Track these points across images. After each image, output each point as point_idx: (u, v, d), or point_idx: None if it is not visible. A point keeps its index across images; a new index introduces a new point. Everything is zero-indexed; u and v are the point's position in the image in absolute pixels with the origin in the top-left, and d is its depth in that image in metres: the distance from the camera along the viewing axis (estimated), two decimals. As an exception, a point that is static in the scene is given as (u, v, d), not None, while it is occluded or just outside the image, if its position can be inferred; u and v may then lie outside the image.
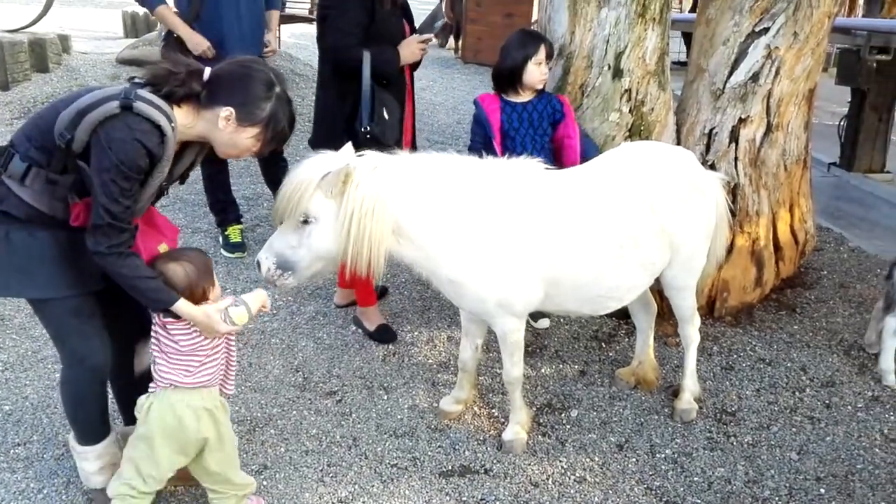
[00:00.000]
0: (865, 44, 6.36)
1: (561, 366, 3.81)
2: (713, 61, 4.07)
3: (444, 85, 11.49)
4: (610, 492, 2.93)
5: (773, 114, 4.09)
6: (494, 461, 3.08)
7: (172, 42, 4.55)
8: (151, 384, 2.52)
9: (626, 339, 4.04)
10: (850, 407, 3.53)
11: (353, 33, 3.49)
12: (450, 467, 3.04)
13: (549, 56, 3.53)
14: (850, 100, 7.44)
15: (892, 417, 3.45)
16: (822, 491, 2.97)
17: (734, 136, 4.10)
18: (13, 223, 2.33)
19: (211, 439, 2.52)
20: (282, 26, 7.62)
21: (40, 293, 2.43)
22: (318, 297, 4.45)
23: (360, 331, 4.05)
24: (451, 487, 2.92)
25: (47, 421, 3.21)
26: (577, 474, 3.02)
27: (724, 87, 4.04)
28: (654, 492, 2.95)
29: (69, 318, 2.46)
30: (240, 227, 5.08)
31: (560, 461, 3.10)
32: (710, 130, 4.12)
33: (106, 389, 2.67)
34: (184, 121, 2.37)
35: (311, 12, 11.91)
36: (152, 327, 2.51)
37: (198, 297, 2.45)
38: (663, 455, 3.16)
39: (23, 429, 3.16)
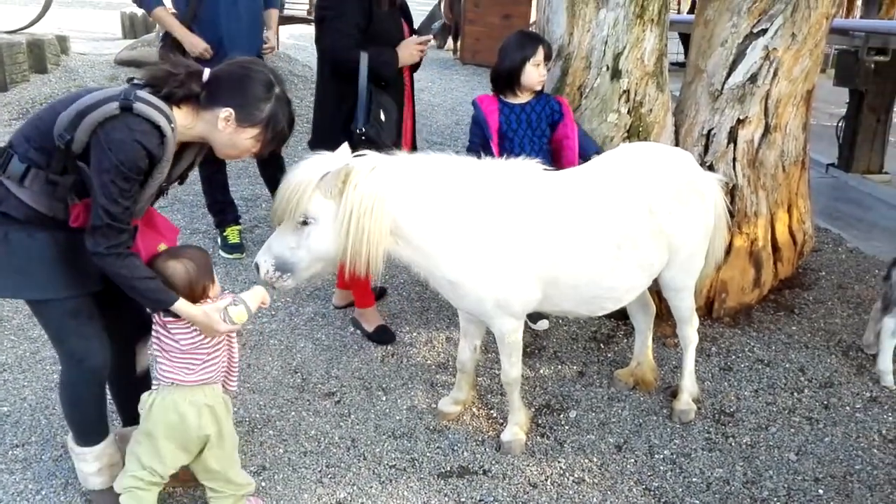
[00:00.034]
0: (863, 45, 6.38)
1: (559, 367, 3.81)
2: (711, 62, 4.08)
3: (443, 86, 11.51)
4: (608, 492, 2.93)
5: (772, 115, 4.10)
6: (493, 462, 3.08)
7: (170, 43, 4.55)
8: (154, 381, 2.53)
9: (625, 340, 4.04)
10: (848, 408, 3.53)
11: (350, 35, 3.49)
12: (448, 468, 3.04)
13: (547, 57, 3.54)
14: (848, 101, 7.45)
15: (891, 418, 3.46)
16: (821, 492, 2.97)
17: (732, 137, 4.10)
18: (12, 224, 2.33)
19: (212, 436, 2.53)
20: (280, 27, 7.63)
21: (39, 294, 2.43)
22: (317, 298, 4.45)
23: (358, 332, 4.05)
24: (450, 488, 2.92)
25: (45, 422, 3.21)
26: (576, 475, 3.02)
27: (722, 89, 4.04)
28: (652, 492, 2.95)
29: (68, 320, 2.45)
30: (238, 228, 5.08)
31: (558, 462, 3.10)
32: (709, 131, 4.12)
33: (105, 391, 2.67)
34: (183, 122, 2.37)
35: (309, 13, 11.90)
36: (153, 326, 2.52)
37: (198, 295, 2.46)
38: (662, 456, 3.16)
39: (21, 430, 3.16)
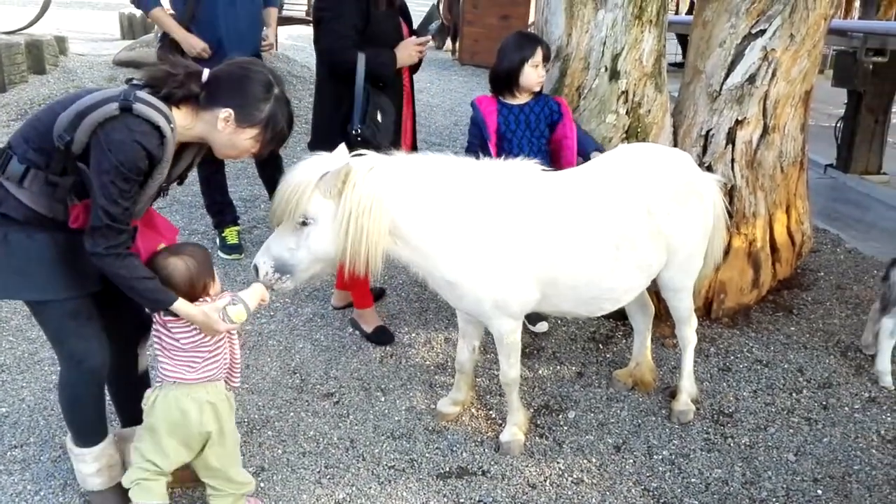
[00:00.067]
0: (862, 46, 6.38)
1: (558, 367, 3.81)
2: (710, 63, 4.08)
3: (442, 86, 11.52)
4: (607, 493, 2.94)
5: (770, 115, 4.10)
6: (492, 463, 3.08)
7: (168, 44, 4.55)
8: (157, 380, 2.54)
9: (624, 341, 4.05)
10: (846, 408, 3.54)
11: (348, 36, 3.49)
12: (447, 469, 3.04)
13: (545, 58, 3.54)
14: (846, 101, 7.46)
15: (889, 418, 3.46)
16: (820, 492, 2.98)
17: (731, 138, 4.10)
18: (11, 225, 2.33)
19: (213, 433, 2.54)
20: (279, 28, 7.63)
21: (39, 295, 2.43)
22: (316, 298, 4.45)
23: (357, 332, 4.05)
24: (449, 489, 2.92)
25: (44, 423, 3.21)
26: (575, 476, 3.03)
27: (720, 89, 4.05)
28: (651, 493, 2.95)
29: (67, 320, 2.45)
30: (237, 228, 5.08)
31: (557, 462, 3.10)
32: (707, 132, 4.13)
33: (104, 391, 2.66)
34: (183, 122, 2.37)
35: (308, 14, 11.90)
36: (154, 325, 2.52)
37: (198, 292, 2.46)
38: (661, 456, 3.17)
39: (19, 431, 3.16)
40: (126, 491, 2.73)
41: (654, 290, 3.40)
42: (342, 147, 2.74)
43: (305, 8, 12.90)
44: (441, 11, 13.29)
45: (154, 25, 8.80)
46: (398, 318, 4.27)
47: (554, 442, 3.23)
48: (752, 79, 3.99)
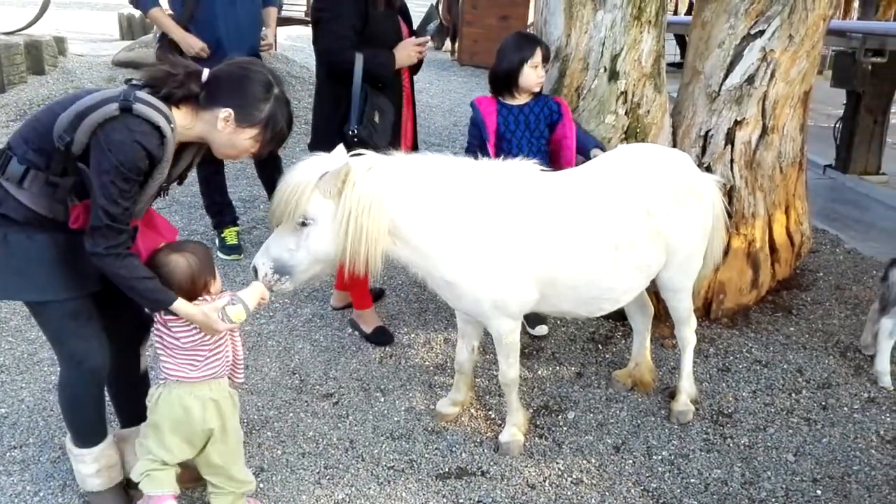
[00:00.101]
0: (860, 46, 6.39)
1: (558, 368, 3.81)
2: (709, 64, 4.08)
3: (441, 87, 11.52)
4: (606, 493, 2.94)
5: (769, 116, 4.10)
6: (491, 463, 3.08)
7: (167, 44, 4.55)
8: (161, 379, 2.55)
9: (623, 341, 4.05)
10: (846, 408, 3.54)
11: (346, 36, 3.49)
12: (447, 469, 3.04)
13: (545, 59, 3.54)
14: (845, 102, 7.47)
15: (888, 419, 3.46)
16: (819, 492, 2.98)
17: (730, 139, 4.11)
18: (11, 226, 2.33)
19: (216, 430, 2.54)
20: (278, 28, 7.64)
21: (39, 296, 2.43)
22: (315, 299, 4.45)
23: (356, 333, 4.05)
24: (448, 489, 2.92)
25: (43, 423, 3.21)
26: (574, 476, 3.03)
27: (719, 90, 4.05)
28: (650, 493, 2.95)
29: (68, 321, 2.45)
30: (236, 229, 5.08)
31: (557, 463, 3.10)
32: (706, 133, 4.13)
33: (104, 392, 2.66)
34: (182, 122, 2.37)
35: (307, 14, 11.90)
36: (154, 324, 2.52)
37: (199, 289, 2.47)
38: (660, 457, 3.17)
39: (19, 432, 3.16)
40: (126, 491, 2.75)
41: (654, 291, 3.40)
42: (340, 147, 2.74)
43: (304, 8, 12.89)
44: (440, 12, 13.29)
45: (153, 26, 8.82)
46: (397, 319, 4.27)
47: (553, 442, 3.23)
48: (750, 79, 4.00)
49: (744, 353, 3.99)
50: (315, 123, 3.86)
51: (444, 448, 3.16)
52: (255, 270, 2.63)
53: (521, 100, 3.55)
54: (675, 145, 4.14)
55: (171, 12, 4.64)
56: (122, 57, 8.92)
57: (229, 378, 2.66)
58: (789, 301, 4.57)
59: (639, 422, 3.39)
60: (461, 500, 2.87)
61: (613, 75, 3.89)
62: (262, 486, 2.89)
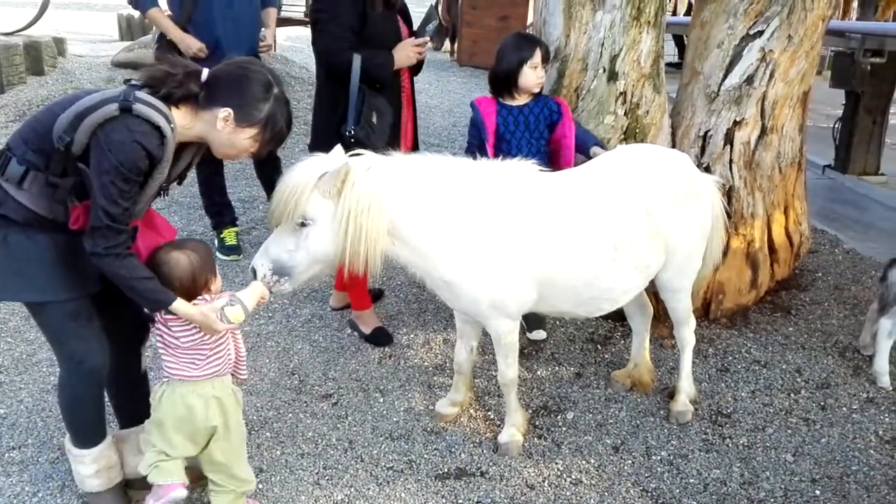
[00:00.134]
0: (859, 47, 6.38)
1: (557, 368, 3.81)
2: (708, 64, 4.08)
3: (440, 88, 11.52)
4: (606, 494, 2.94)
5: (768, 116, 4.11)
6: (490, 463, 3.08)
7: (165, 44, 4.56)
8: (164, 378, 2.55)
9: (622, 342, 4.05)
10: (845, 409, 3.54)
11: (344, 37, 3.49)
12: (446, 470, 3.04)
13: (544, 59, 3.54)
14: (844, 102, 7.47)
15: (887, 419, 3.47)
16: (818, 493, 2.98)
17: (729, 139, 4.11)
18: (11, 226, 2.33)
19: (218, 428, 2.55)
20: (277, 29, 7.64)
21: (38, 296, 2.43)
22: (314, 299, 4.45)
23: (355, 334, 4.05)
24: (447, 490, 2.92)
25: (42, 424, 3.21)
26: (573, 476, 3.03)
27: (718, 90, 4.05)
28: (649, 494, 2.95)
29: (67, 322, 2.45)
30: (235, 229, 5.08)
31: (556, 463, 3.10)
32: (705, 133, 4.13)
33: (103, 392, 2.67)
34: (182, 122, 2.37)
35: (306, 15, 11.91)
36: (155, 324, 2.52)
37: (200, 287, 2.47)
38: (659, 457, 3.17)
39: (17, 432, 3.16)
40: (125, 492, 2.75)
41: (653, 291, 3.40)
42: (338, 148, 2.74)
43: (304, 9, 12.90)
44: (439, 12, 13.29)
45: (152, 26, 8.82)
46: (397, 319, 4.27)
47: (552, 443, 3.23)
48: (750, 80, 4.00)
49: (743, 353, 3.99)
50: (314, 124, 3.86)
51: (444, 448, 3.16)
52: (254, 271, 2.62)
53: (520, 100, 3.55)
54: (674, 146, 4.14)
55: (169, 13, 4.64)
56: (122, 57, 8.92)
57: (232, 375, 2.66)
58: (788, 301, 4.57)
59: (638, 422, 3.39)
60: (460, 501, 2.87)
61: (612, 76, 3.90)
62: (261, 486, 2.89)
